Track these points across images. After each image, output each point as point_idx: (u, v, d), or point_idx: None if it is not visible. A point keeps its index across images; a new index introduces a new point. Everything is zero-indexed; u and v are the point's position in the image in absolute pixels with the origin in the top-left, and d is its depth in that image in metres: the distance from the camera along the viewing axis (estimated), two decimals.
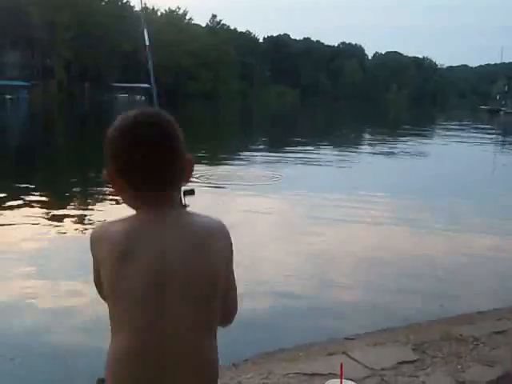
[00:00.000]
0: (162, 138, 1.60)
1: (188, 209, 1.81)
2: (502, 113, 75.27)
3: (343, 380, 3.17)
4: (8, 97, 78.00)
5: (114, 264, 1.58)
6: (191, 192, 2.28)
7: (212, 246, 1.62)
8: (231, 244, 1.70)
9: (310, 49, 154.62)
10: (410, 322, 5.73)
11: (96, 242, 1.65)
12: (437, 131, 41.40)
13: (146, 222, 1.62)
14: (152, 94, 3.79)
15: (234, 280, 1.75)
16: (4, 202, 11.74)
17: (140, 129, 1.60)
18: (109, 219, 1.70)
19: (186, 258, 1.59)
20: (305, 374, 4.05)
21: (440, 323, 5.55)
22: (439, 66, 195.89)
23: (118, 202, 12.45)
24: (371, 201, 12.72)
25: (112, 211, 11.47)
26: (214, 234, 1.65)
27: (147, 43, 3.83)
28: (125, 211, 1.71)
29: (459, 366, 4.27)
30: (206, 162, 19.19)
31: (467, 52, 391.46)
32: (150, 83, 4.05)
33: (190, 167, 1.69)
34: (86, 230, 9.82)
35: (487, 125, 53.51)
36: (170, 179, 1.65)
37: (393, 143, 28.66)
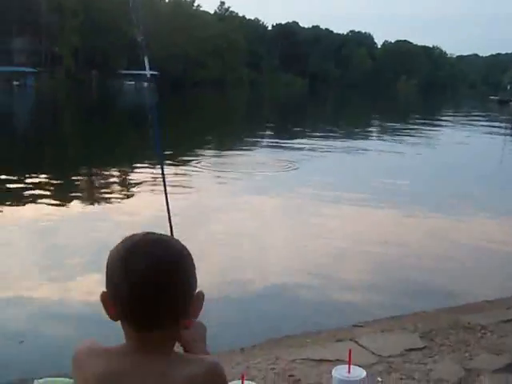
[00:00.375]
0: (153, 273, 1.39)
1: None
2: (511, 103, 74.63)
3: (351, 366, 3.15)
4: (15, 83, 78.02)
5: None
6: None
7: None
8: None
9: (318, 37, 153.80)
10: (418, 310, 5.72)
11: (74, 363, 1.50)
12: (446, 121, 41.14)
13: (127, 369, 1.43)
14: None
15: None
16: (11, 186, 11.79)
17: (130, 258, 1.42)
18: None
19: None
20: (312, 360, 4.05)
21: (448, 311, 5.54)
22: (449, 56, 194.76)
23: (123, 186, 12.51)
24: (383, 188, 12.71)
25: (117, 193, 11.50)
26: None
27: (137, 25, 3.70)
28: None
29: (467, 354, 4.26)
30: (215, 149, 19.25)
31: (478, 41, 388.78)
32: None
33: (197, 305, 1.50)
34: (92, 211, 9.87)
35: (497, 115, 53.17)
36: (159, 321, 1.43)
37: (403, 132, 28.51)
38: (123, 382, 1.42)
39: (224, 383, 1.52)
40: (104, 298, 1.47)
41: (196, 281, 1.49)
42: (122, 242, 1.47)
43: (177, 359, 1.47)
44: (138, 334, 1.44)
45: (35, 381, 2.14)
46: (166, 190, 2.58)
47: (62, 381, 2.13)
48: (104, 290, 1.47)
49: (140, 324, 1.43)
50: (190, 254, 1.49)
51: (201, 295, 1.51)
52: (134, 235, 1.48)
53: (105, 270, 1.45)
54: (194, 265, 1.49)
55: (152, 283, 1.39)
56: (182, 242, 1.51)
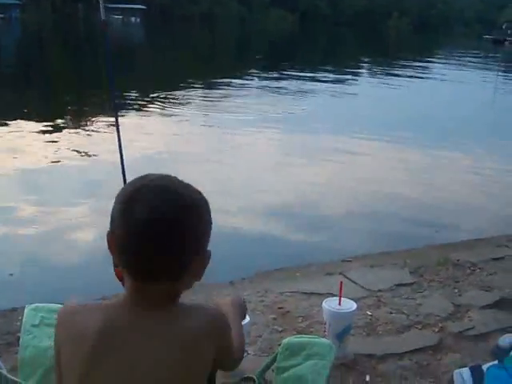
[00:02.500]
0: (153, 228, 1.32)
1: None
2: (506, 43, 73.29)
3: (342, 298, 3.15)
4: (0, 16, 76.19)
5: (83, 359, 1.35)
6: None
7: (197, 351, 1.39)
8: (224, 334, 1.50)
9: None
10: (407, 246, 5.73)
11: (62, 319, 1.44)
12: (436, 61, 40.71)
13: (125, 323, 1.38)
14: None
15: (232, 347, 1.59)
16: None
17: (131, 207, 1.33)
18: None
19: (159, 373, 1.35)
20: (302, 293, 4.04)
21: (437, 248, 5.55)
22: None
23: (111, 126, 12.36)
24: (371, 131, 12.58)
25: (106, 132, 11.37)
26: (200, 338, 1.40)
27: None
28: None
29: (456, 290, 4.27)
30: (204, 88, 19.01)
31: None
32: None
33: (201, 264, 1.44)
34: (79, 151, 9.76)
35: (490, 55, 52.68)
36: (158, 274, 1.37)
37: (393, 72, 28.20)
38: (121, 337, 1.36)
39: (226, 333, 1.51)
40: (108, 237, 1.40)
41: (207, 236, 1.43)
42: (129, 184, 1.39)
43: (178, 311, 1.43)
44: (137, 284, 1.38)
45: (26, 306, 2.14)
46: (118, 129, 2.47)
47: (51, 306, 2.12)
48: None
49: (138, 275, 1.38)
50: (203, 207, 1.42)
51: (208, 255, 1.44)
52: (142, 178, 1.39)
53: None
54: (206, 220, 1.42)
55: (152, 237, 1.32)
56: (197, 189, 1.43)
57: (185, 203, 1.36)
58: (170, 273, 1.38)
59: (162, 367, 1.35)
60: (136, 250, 1.34)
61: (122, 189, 1.39)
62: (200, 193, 1.43)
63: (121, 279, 1.67)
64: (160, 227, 1.32)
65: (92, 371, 1.35)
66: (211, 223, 1.44)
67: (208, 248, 1.44)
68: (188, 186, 1.42)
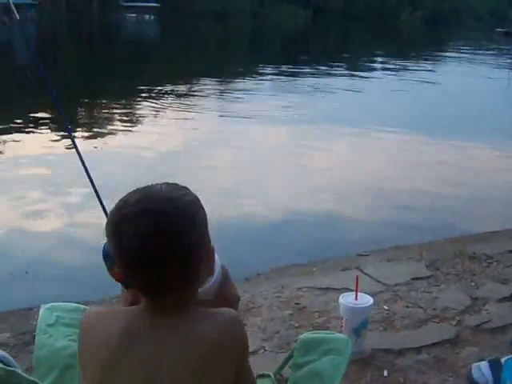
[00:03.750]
0: (147, 250, 1.32)
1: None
2: None
3: (358, 293, 3.13)
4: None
5: (102, 365, 1.37)
6: None
7: (216, 363, 1.36)
8: (243, 346, 1.46)
9: None
10: (423, 240, 5.70)
11: (82, 327, 1.45)
12: (449, 55, 40.41)
13: (143, 329, 1.39)
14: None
15: (250, 374, 1.55)
16: (12, 121, 11.70)
17: (121, 236, 1.34)
18: None
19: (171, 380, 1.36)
20: (319, 288, 4.04)
21: (453, 241, 5.52)
22: None
23: (121, 123, 12.40)
24: (383, 120, 12.53)
25: (117, 132, 11.41)
26: (219, 347, 1.37)
27: None
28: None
29: (473, 283, 4.24)
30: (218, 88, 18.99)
31: None
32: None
33: (209, 261, 1.50)
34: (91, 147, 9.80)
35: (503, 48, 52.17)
36: (166, 288, 1.38)
37: (408, 68, 28.00)
38: (140, 343, 1.37)
39: (242, 336, 1.46)
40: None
41: (205, 235, 1.41)
42: (114, 211, 1.37)
43: (193, 317, 1.41)
44: (149, 300, 1.41)
45: (42, 305, 2.15)
46: (81, 159, 2.46)
47: (66, 305, 2.13)
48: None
49: (146, 293, 1.40)
50: (194, 208, 1.39)
51: (212, 250, 1.48)
52: (125, 202, 1.37)
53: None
54: (199, 222, 1.39)
55: (148, 258, 1.32)
56: (191, 191, 1.42)
57: (173, 216, 1.34)
58: (181, 283, 1.39)
59: (174, 375, 1.35)
60: (139, 274, 1.36)
61: (109, 217, 1.38)
62: (186, 193, 1.41)
63: (118, 280, 1.74)
64: (154, 250, 1.32)
65: (110, 373, 1.36)
66: (206, 219, 1.42)
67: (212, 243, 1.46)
68: (171, 194, 1.38)
